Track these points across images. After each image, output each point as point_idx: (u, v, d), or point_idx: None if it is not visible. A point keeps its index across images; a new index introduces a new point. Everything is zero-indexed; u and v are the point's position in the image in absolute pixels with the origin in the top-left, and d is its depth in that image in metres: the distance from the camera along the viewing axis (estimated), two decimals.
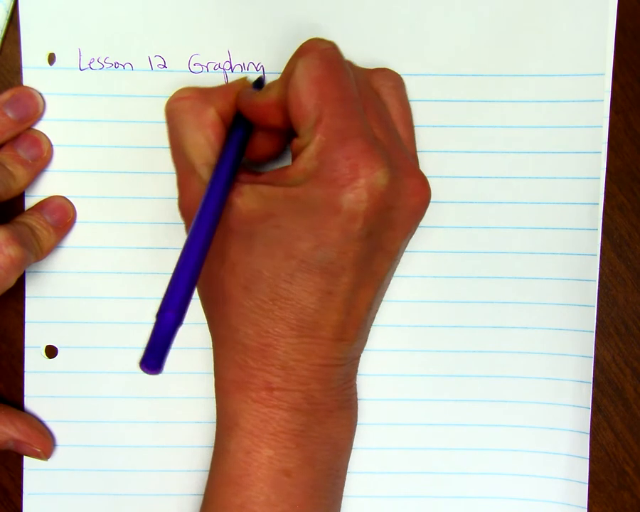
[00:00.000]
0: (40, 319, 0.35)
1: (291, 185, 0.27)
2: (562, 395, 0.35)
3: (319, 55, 0.27)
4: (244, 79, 0.32)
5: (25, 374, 0.35)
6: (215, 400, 0.30)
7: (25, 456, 0.35)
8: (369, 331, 0.30)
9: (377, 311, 0.30)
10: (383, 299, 0.32)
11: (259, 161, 0.33)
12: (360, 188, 0.26)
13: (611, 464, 0.36)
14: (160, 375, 0.34)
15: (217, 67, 0.34)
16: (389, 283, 0.30)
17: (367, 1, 0.34)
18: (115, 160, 0.34)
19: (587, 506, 0.35)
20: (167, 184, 0.34)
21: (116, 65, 0.34)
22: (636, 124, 0.35)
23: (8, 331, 0.35)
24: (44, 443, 0.34)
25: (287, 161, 0.33)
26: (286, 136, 0.31)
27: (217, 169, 0.28)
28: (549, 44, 0.34)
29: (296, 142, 0.28)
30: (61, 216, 0.34)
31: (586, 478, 0.35)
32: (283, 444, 0.28)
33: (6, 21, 0.34)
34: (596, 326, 0.35)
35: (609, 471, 0.36)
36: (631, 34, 0.35)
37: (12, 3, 0.34)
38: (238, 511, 0.28)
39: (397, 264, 0.30)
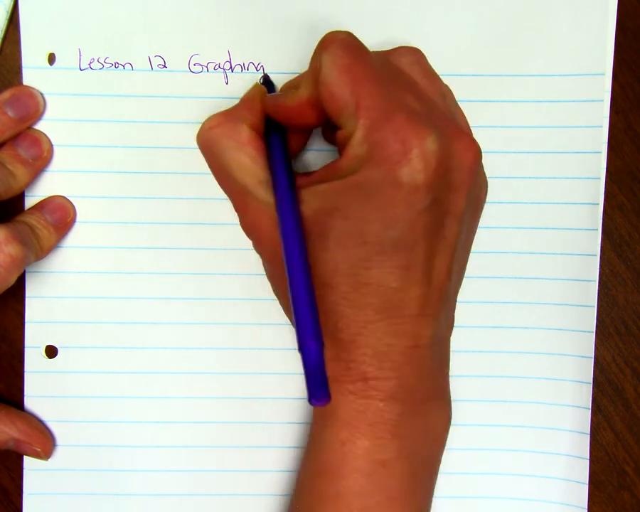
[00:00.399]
0: (40, 319, 0.35)
1: (346, 175, 0.27)
2: (562, 395, 0.35)
3: (341, 45, 0.28)
4: (258, 85, 0.32)
5: (25, 374, 0.35)
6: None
7: (25, 456, 0.35)
8: (454, 308, 0.30)
9: (459, 283, 0.30)
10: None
11: (293, 157, 0.33)
12: (414, 159, 0.26)
13: (611, 464, 0.36)
14: (159, 375, 0.35)
15: (217, 67, 0.34)
16: (467, 253, 0.30)
17: (367, 1, 0.34)
18: (115, 160, 0.34)
19: (587, 506, 0.35)
20: (167, 184, 0.34)
21: (116, 65, 0.34)
22: (636, 124, 0.35)
23: (8, 331, 0.35)
24: (44, 442, 0.34)
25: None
26: (312, 130, 0.32)
27: (278, 186, 0.29)
28: (549, 44, 0.34)
29: (341, 133, 0.28)
30: (61, 216, 0.34)
31: (586, 479, 0.35)
32: (379, 434, 0.28)
33: (6, 21, 0.34)
34: (596, 326, 0.35)
35: (609, 471, 0.36)
36: (631, 34, 0.35)
37: (12, 3, 0.34)
38: (334, 501, 0.28)
39: (468, 228, 0.30)
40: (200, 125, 0.30)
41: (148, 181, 0.34)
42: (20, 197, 0.34)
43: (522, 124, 0.34)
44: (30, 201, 0.34)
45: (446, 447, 0.34)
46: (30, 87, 0.33)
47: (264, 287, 0.35)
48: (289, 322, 0.35)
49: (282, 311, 0.35)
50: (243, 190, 0.30)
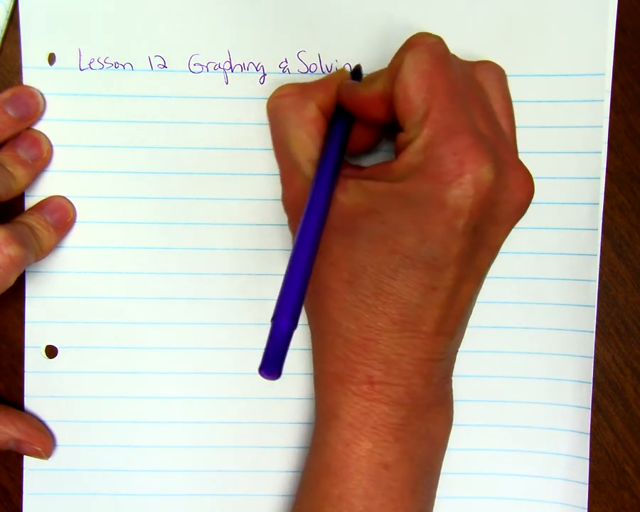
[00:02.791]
0: (40, 319, 0.35)
1: (395, 180, 0.27)
2: (562, 395, 0.35)
3: (427, 49, 0.27)
4: (343, 70, 0.33)
5: (25, 374, 0.35)
6: (314, 392, 0.30)
7: (25, 456, 0.35)
8: (467, 324, 0.30)
9: (474, 304, 0.30)
10: None
11: (355, 153, 0.33)
12: (466, 184, 0.26)
13: (611, 464, 0.36)
14: (159, 375, 0.35)
15: (217, 67, 0.34)
16: (485, 277, 0.30)
17: (366, 2, 0.34)
18: (115, 160, 0.34)
19: (587, 507, 0.35)
20: (167, 184, 0.34)
21: (116, 65, 0.34)
22: (636, 124, 0.35)
23: (8, 331, 0.35)
24: (44, 442, 0.34)
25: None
26: (384, 129, 0.31)
27: (322, 166, 0.29)
28: (549, 44, 0.34)
29: (402, 136, 0.28)
30: (61, 216, 0.34)
31: (586, 479, 0.35)
32: (383, 437, 0.28)
33: (6, 21, 0.34)
34: (596, 326, 0.35)
35: (609, 471, 0.36)
36: (631, 34, 0.35)
37: (12, 3, 0.34)
38: (337, 502, 0.28)
39: (496, 257, 0.29)
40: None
41: (148, 181, 0.34)
42: (20, 197, 0.34)
43: (522, 124, 0.34)
44: (30, 201, 0.34)
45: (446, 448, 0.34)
46: (31, 87, 0.33)
47: (264, 287, 0.35)
48: None
49: None
50: (293, 164, 0.30)
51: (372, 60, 0.34)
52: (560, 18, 0.34)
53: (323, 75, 0.34)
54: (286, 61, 0.34)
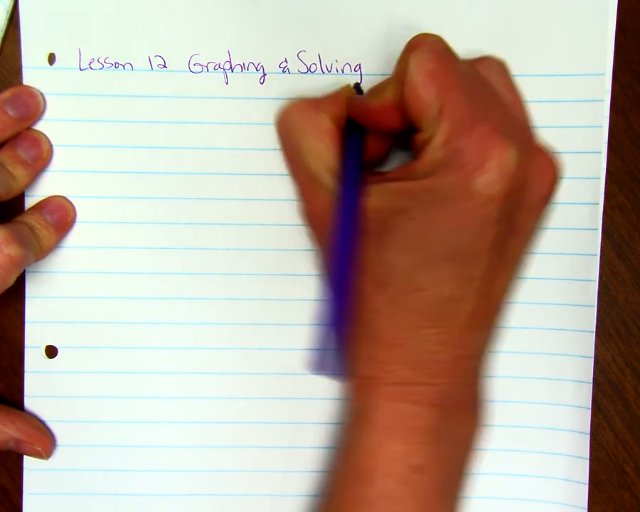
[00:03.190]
0: (40, 319, 0.35)
1: (420, 178, 0.27)
2: (562, 395, 0.35)
3: (430, 48, 0.27)
4: (348, 85, 0.33)
5: (25, 374, 0.35)
6: (346, 394, 0.30)
7: (25, 456, 0.35)
8: (500, 320, 0.29)
9: (508, 298, 0.29)
10: None
11: (369, 165, 0.33)
12: (491, 171, 0.26)
13: (611, 464, 0.36)
14: (159, 375, 0.35)
15: (217, 67, 0.34)
16: (520, 267, 0.30)
17: (366, 2, 0.34)
18: (115, 160, 0.34)
19: (587, 507, 0.35)
20: (167, 184, 0.34)
21: (116, 65, 0.34)
22: (636, 124, 0.35)
23: (8, 331, 0.35)
24: (44, 442, 0.34)
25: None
26: (394, 137, 0.31)
27: (344, 177, 0.29)
28: (549, 44, 0.34)
29: (419, 136, 0.28)
30: (61, 216, 0.34)
31: (586, 479, 0.35)
32: (414, 439, 0.27)
33: (6, 21, 0.34)
34: (596, 326, 0.35)
35: (609, 471, 0.36)
36: (631, 34, 0.35)
37: (12, 3, 0.34)
38: (366, 505, 0.27)
39: (529, 246, 0.29)
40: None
41: (148, 181, 0.34)
42: (20, 197, 0.34)
43: None
44: (30, 201, 0.34)
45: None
46: (31, 87, 0.33)
47: (264, 287, 0.35)
48: (289, 322, 0.35)
49: (282, 311, 0.35)
50: (312, 176, 0.30)
51: (372, 59, 0.34)
52: (560, 18, 0.34)
53: (322, 75, 0.34)
54: (286, 61, 0.34)
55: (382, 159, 0.33)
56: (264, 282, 0.35)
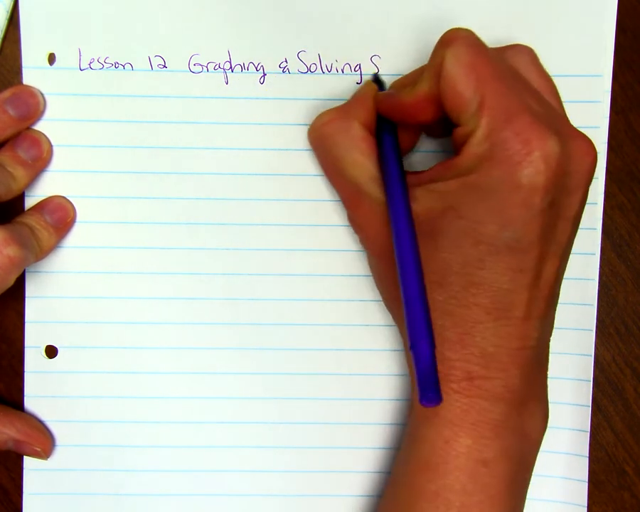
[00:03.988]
0: (40, 319, 0.35)
1: (464, 174, 0.27)
2: (562, 394, 0.35)
3: (465, 42, 0.28)
4: (369, 82, 0.33)
5: (25, 374, 0.35)
6: (412, 391, 0.31)
7: (25, 456, 0.35)
8: (555, 309, 0.30)
9: (561, 283, 0.30)
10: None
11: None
12: (536, 161, 0.26)
13: (611, 464, 0.36)
14: (159, 375, 0.35)
15: (217, 67, 0.34)
16: (570, 252, 0.30)
17: (366, 2, 0.34)
18: (115, 160, 0.34)
19: (586, 506, 0.35)
20: (167, 184, 0.34)
21: (116, 65, 0.34)
22: (636, 124, 0.35)
23: (8, 331, 0.35)
24: (44, 442, 0.34)
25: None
26: (423, 128, 0.32)
27: (390, 183, 0.29)
28: (549, 44, 0.34)
29: (459, 131, 0.28)
30: (61, 216, 0.34)
31: (585, 477, 0.35)
32: (482, 434, 0.28)
33: (6, 21, 0.34)
34: (596, 326, 0.35)
35: (609, 471, 0.36)
36: (631, 34, 0.35)
37: (12, 3, 0.34)
38: (433, 497, 0.28)
39: (577, 228, 0.30)
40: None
41: (148, 181, 0.34)
42: (20, 197, 0.34)
43: None
44: (30, 201, 0.34)
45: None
46: (31, 87, 0.33)
47: (264, 287, 0.35)
48: (289, 322, 0.35)
49: (281, 311, 0.35)
50: (355, 186, 0.30)
51: (372, 59, 0.34)
52: (560, 19, 0.34)
53: (322, 75, 0.34)
54: (286, 61, 0.34)
55: (411, 149, 0.34)
56: (264, 282, 0.35)
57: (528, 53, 0.30)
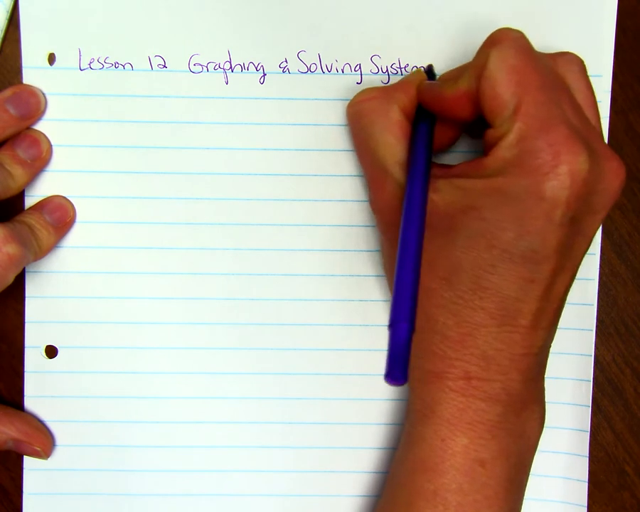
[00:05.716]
0: (40, 319, 0.35)
1: (490, 176, 0.27)
2: (562, 394, 0.35)
3: (513, 44, 0.27)
4: (420, 71, 0.33)
5: (25, 374, 0.35)
6: (410, 388, 0.30)
7: (25, 456, 0.35)
8: (560, 318, 0.30)
9: (567, 296, 0.30)
10: (383, 299, 0.34)
11: (434, 152, 0.33)
12: (563, 175, 0.26)
13: (611, 464, 0.36)
14: (159, 375, 0.35)
15: (217, 67, 0.34)
16: (579, 265, 0.30)
17: (366, 2, 0.34)
18: (115, 160, 0.34)
19: (586, 506, 0.35)
20: (167, 184, 0.34)
21: (116, 65, 0.34)
22: (636, 124, 0.35)
23: (8, 331, 0.35)
24: (44, 442, 0.34)
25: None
26: (463, 126, 0.32)
27: (413, 168, 0.29)
28: (549, 44, 0.34)
29: (491, 132, 0.28)
30: (61, 215, 0.34)
31: (585, 477, 0.35)
32: (479, 434, 0.28)
33: (6, 21, 0.34)
34: (597, 326, 0.35)
35: (609, 471, 0.36)
36: (631, 34, 0.35)
37: (12, 3, 0.34)
38: (431, 497, 0.28)
39: (589, 245, 0.29)
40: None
41: (148, 181, 0.34)
42: (20, 197, 0.34)
43: None
44: (30, 201, 0.34)
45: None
46: (32, 86, 0.33)
47: (264, 287, 0.35)
48: (289, 322, 0.35)
49: (281, 311, 0.35)
50: (381, 167, 0.30)
51: (372, 59, 0.34)
52: (560, 18, 0.34)
53: (322, 75, 0.34)
54: (286, 61, 0.34)
55: (449, 147, 0.33)
56: (264, 282, 0.35)
57: (578, 64, 0.30)
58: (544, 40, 0.34)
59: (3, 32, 0.34)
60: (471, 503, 0.28)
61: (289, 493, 0.35)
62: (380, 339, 0.35)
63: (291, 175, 0.34)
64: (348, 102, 0.32)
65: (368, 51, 0.34)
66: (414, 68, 0.34)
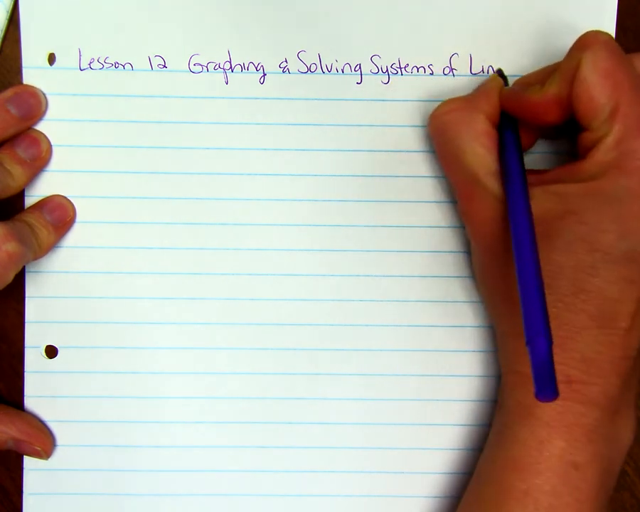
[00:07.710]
0: (40, 319, 0.35)
1: (588, 179, 0.27)
2: None
3: (605, 47, 0.27)
4: (495, 77, 0.32)
5: (25, 374, 0.35)
6: (502, 389, 0.31)
7: (25, 456, 0.35)
8: None
9: None
10: (381, 299, 0.34)
11: None
12: None
13: None
14: (159, 375, 0.35)
15: (217, 67, 0.34)
16: None
17: (366, 2, 0.34)
18: (115, 160, 0.34)
19: None
20: (167, 184, 0.34)
21: (116, 65, 0.34)
22: None
23: (8, 331, 0.35)
24: (44, 441, 0.34)
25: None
26: (543, 130, 0.32)
27: (512, 181, 0.29)
28: (549, 45, 0.34)
29: (587, 135, 0.28)
30: (60, 215, 0.34)
31: None
32: (575, 437, 0.28)
33: (6, 21, 0.34)
34: None
35: None
36: (631, 34, 0.35)
37: (12, 3, 0.34)
38: (522, 496, 0.28)
39: None
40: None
41: (148, 181, 0.34)
42: (20, 197, 0.34)
43: None
44: (30, 201, 0.34)
45: (446, 448, 0.34)
46: (33, 86, 0.33)
47: (264, 287, 0.35)
48: (289, 322, 0.35)
49: (281, 311, 0.35)
50: (472, 178, 0.30)
51: (372, 59, 0.34)
52: (560, 19, 0.34)
53: (322, 75, 0.34)
54: (286, 61, 0.34)
55: (527, 150, 0.33)
56: (264, 282, 0.35)
57: None
58: (544, 41, 0.34)
59: (3, 32, 0.34)
60: (563, 505, 0.28)
61: (289, 493, 0.35)
62: (380, 339, 0.35)
63: (291, 175, 0.34)
64: (347, 101, 0.32)
65: (368, 51, 0.34)
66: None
